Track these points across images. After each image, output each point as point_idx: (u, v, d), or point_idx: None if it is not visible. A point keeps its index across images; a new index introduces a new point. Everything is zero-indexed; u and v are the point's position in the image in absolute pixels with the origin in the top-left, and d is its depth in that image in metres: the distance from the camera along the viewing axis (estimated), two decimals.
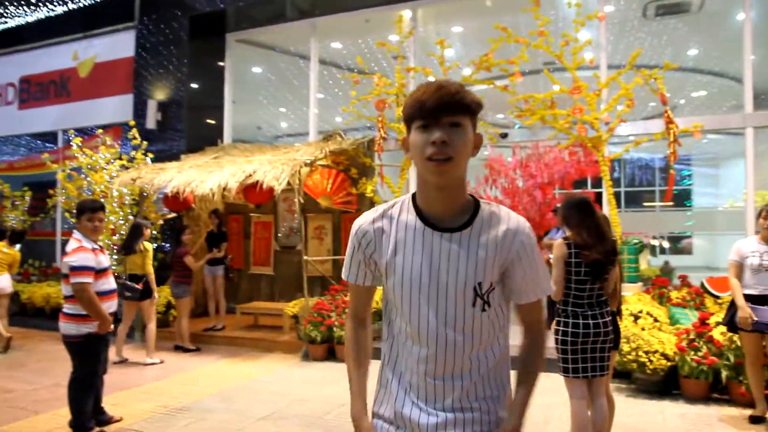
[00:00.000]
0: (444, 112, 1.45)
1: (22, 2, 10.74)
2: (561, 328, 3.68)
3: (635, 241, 7.96)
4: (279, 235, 10.14)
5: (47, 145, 12.32)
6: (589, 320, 3.63)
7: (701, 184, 19.23)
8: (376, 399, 1.67)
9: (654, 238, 18.38)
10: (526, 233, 1.55)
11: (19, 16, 10.97)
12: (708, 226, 13.92)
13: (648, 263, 11.04)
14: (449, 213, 1.53)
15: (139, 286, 7.02)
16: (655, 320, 6.14)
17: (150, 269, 7.11)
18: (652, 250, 18.05)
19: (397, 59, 9.27)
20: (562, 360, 3.69)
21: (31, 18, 11.05)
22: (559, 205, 8.89)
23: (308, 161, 8.11)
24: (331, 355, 7.38)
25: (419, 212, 1.55)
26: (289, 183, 7.75)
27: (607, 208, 8.27)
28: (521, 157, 15.66)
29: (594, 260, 3.63)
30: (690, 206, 18.81)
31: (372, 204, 9.47)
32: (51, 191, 9.86)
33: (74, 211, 9.05)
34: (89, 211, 4.39)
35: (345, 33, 11.20)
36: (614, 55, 9.88)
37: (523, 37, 8.33)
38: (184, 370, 6.96)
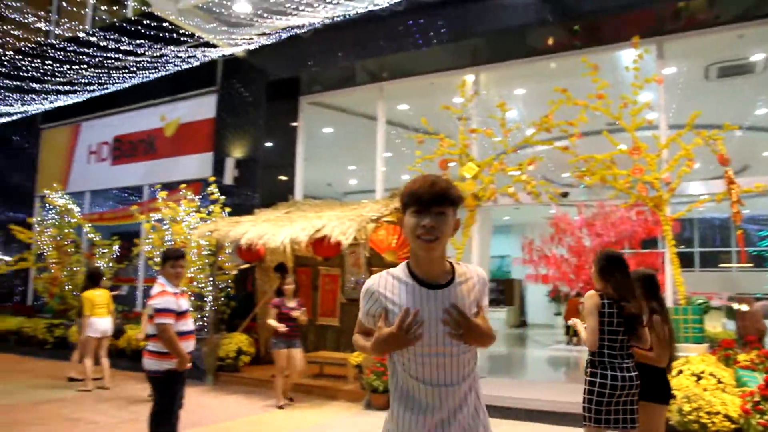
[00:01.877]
0: (434, 203, 1.95)
1: (119, 70, 11.87)
2: (598, 380, 3.82)
3: (700, 301, 7.87)
4: (345, 287, 10.51)
5: (133, 198, 13.29)
6: (624, 372, 3.79)
7: None
8: (391, 417, 2.10)
9: (730, 299, 17.67)
10: (483, 277, 2.13)
11: (116, 83, 12.10)
12: None
13: (723, 326, 10.65)
14: (434, 275, 2.02)
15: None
16: (719, 381, 6.07)
17: None
18: (729, 312, 17.33)
19: (461, 121, 9.68)
20: (594, 410, 3.82)
21: (126, 84, 12.15)
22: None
23: (374, 217, 8.52)
24: None
25: (413, 275, 2.04)
26: (355, 238, 8.16)
27: (670, 268, 8.24)
28: (587, 215, 15.71)
29: (630, 313, 3.84)
30: None
31: None
32: (136, 240, 10.65)
33: (156, 259, 9.80)
34: (173, 258, 4.88)
35: (411, 95, 11.75)
36: (676, 115, 9.97)
37: (582, 99, 8.61)
38: (252, 412, 7.31)
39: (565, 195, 9.15)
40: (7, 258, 14.56)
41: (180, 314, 4.79)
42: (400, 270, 2.08)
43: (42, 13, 14.93)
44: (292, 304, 7.71)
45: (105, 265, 11.83)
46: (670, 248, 8.37)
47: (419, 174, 2.04)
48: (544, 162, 9.71)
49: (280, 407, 7.54)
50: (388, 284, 2.05)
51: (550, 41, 9.59)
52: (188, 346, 4.84)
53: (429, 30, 9.99)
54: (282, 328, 7.48)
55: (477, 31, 9.76)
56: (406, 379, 2.04)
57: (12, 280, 15.30)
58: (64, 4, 15.96)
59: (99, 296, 8.53)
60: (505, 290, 21.93)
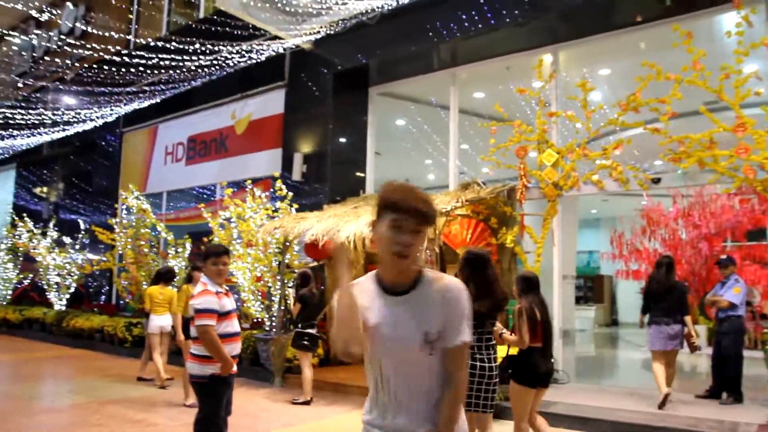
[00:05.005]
0: (415, 222, 1.90)
1: (191, 71, 11.90)
2: None
3: None
4: None
5: (208, 196, 13.34)
6: (481, 363, 4.44)
7: None
8: (365, 410, 2.09)
9: None
10: (453, 290, 1.97)
11: (187, 83, 12.15)
12: None
13: None
14: (399, 281, 1.98)
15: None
16: None
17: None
18: None
19: (539, 105, 8.94)
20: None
21: (197, 83, 12.17)
22: (723, 257, 7.91)
23: (444, 210, 7.95)
24: None
25: (380, 282, 2.03)
26: None
27: None
28: (683, 206, 14.44)
29: (475, 311, 3.89)
30: None
31: (513, 254, 9.06)
32: (205, 239, 10.59)
33: None
34: (213, 255, 4.51)
35: (486, 81, 11.10)
36: None
37: (675, 74, 7.66)
38: (316, 418, 6.95)
39: (657, 181, 8.21)
40: (94, 257, 15.05)
41: (223, 315, 4.42)
42: (371, 275, 2.09)
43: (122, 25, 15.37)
44: None
45: (179, 265, 11.87)
46: None
47: (395, 182, 2.01)
48: (633, 146, 8.80)
49: None
50: (363, 286, 2.06)
51: (635, 12, 8.67)
52: (233, 349, 4.47)
53: (501, 8, 9.31)
54: None
55: (553, 6, 9.00)
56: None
57: (99, 280, 15.82)
58: (142, 9, 16.36)
59: (161, 293, 8.50)
60: (594, 287, 20.83)
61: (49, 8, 17.55)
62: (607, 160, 8.37)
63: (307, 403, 7.55)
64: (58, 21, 18.62)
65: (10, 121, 13.78)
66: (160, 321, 8.54)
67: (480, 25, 9.54)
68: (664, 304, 7.07)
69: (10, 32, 19.66)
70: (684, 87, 7.60)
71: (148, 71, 12.56)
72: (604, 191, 8.68)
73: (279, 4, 10.23)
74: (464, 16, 9.61)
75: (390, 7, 9.54)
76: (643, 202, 14.85)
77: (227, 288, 4.64)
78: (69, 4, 17.85)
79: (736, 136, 7.37)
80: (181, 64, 11.93)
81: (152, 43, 12.85)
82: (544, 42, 9.63)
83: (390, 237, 1.91)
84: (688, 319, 7.02)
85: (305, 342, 7.61)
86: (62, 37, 18.02)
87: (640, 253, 14.91)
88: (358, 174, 11.61)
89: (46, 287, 15.41)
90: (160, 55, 11.87)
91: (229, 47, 11.27)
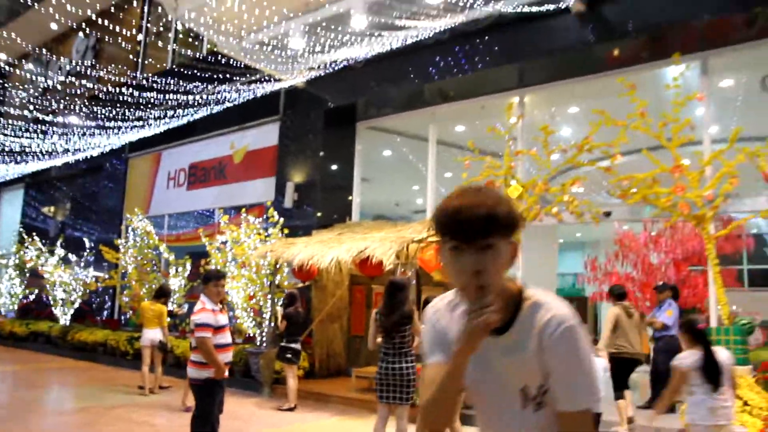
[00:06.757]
0: (478, 234, 1.38)
1: (195, 103, 12.92)
2: (378, 369, 5.89)
3: (743, 321, 7.74)
4: None
5: (207, 219, 14.32)
6: (390, 365, 5.75)
7: None
8: None
9: None
10: (563, 324, 1.43)
11: (189, 114, 13.16)
12: None
13: None
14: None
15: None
16: (745, 404, 6.04)
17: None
18: None
19: (508, 142, 9.95)
20: (377, 389, 5.81)
21: (199, 115, 13.18)
22: (660, 283, 8.87)
23: (416, 239, 8.92)
24: None
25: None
26: (397, 257, 8.59)
27: (714, 287, 8.15)
28: (651, 231, 15.38)
29: (381, 325, 5.89)
30: None
31: None
32: (203, 261, 11.55)
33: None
34: (215, 278, 5.49)
35: (463, 118, 12.12)
36: (729, 129, 9.81)
37: (623, 119, 8.67)
38: (300, 422, 7.85)
39: (608, 214, 9.22)
40: (100, 274, 15.97)
41: (218, 329, 5.37)
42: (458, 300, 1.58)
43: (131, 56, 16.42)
44: None
45: (180, 283, 12.82)
46: (714, 267, 8.26)
47: (460, 186, 1.50)
48: (591, 181, 9.80)
49: None
50: (445, 316, 1.62)
51: (591, 61, 9.73)
52: (225, 357, 5.41)
53: (474, 55, 10.35)
54: None
55: (520, 54, 10.03)
56: None
57: (102, 296, 16.73)
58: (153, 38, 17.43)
59: (151, 309, 9.42)
60: (578, 308, 21.58)
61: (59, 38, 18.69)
62: (565, 195, 9.35)
63: (291, 409, 8.46)
64: (69, 50, 19.75)
65: (26, 149, 14.75)
66: (150, 334, 9.43)
67: (455, 70, 10.58)
68: None
69: (23, 60, 20.76)
70: (635, 130, 8.63)
71: (153, 102, 13.57)
72: (563, 222, 9.64)
73: (274, 51, 11.27)
74: (441, 62, 10.66)
75: (375, 54, 10.58)
76: (624, 227, 15.71)
77: (221, 306, 5.61)
78: (80, 34, 18.92)
79: (673, 177, 8.39)
80: (183, 97, 12.96)
81: (156, 78, 13.90)
82: (513, 85, 10.67)
83: (452, 264, 1.42)
84: None
85: (289, 356, 8.55)
86: (73, 66, 19.06)
87: (611, 276, 15.85)
88: (347, 198, 12.60)
89: (51, 302, 16.30)
90: (164, 87, 12.89)
91: (228, 83, 12.31)
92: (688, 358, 4.34)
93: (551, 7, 8.95)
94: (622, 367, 7.37)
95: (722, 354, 4.40)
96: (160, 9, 15.20)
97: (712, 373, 4.21)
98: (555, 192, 9.46)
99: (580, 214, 9.26)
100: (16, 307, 18.37)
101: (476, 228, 1.37)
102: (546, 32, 9.72)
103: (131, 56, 17.12)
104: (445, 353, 1.50)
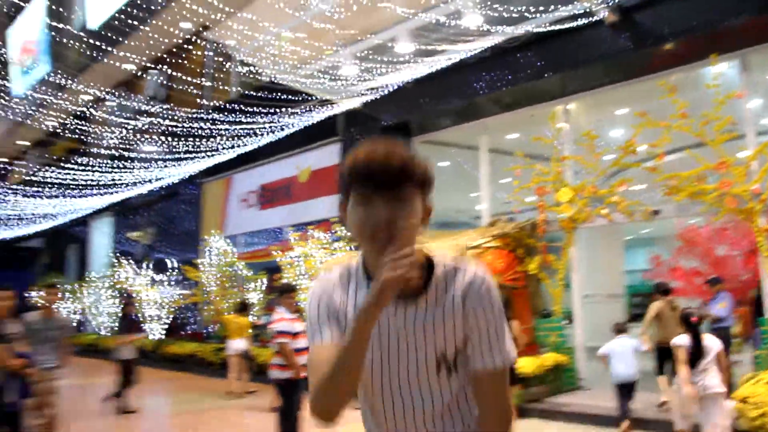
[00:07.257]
0: (389, 183, 1.30)
1: (257, 135, 13.97)
2: None
3: None
4: None
5: (277, 236, 15.35)
6: None
7: None
8: None
9: None
10: (482, 283, 1.40)
11: (256, 142, 14.22)
12: None
13: None
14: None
15: None
16: None
17: None
18: None
19: (555, 148, 10.42)
20: None
21: (265, 141, 14.22)
22: (712, 277, 9.16)
23: (471, 245, 9.53)
24: None
25: (369, 278, 1.43)
26: None
27: (767, 279, 8.40)
28: (715, 224, 15.30)
29: None
30: None
31: (538, 280, 10.50)
32: (275, 276, 12.53)
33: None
34: (289, 291, 6.33)
35: (514, 127, 12.61)
36: None
37: (664, 121, 9.00)
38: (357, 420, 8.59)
39: (656, 213, 9.55)
40: (184, 291, 17.30)
41: (295, 335, 6.18)
42: (355, 268, 1.48)
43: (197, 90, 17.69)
44: None
45: (258, 297, 13.86)
46: (766, 259, 8.49)
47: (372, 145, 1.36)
48: (638, 181, 10.13)
49: None
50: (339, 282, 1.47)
51: (631, 67, 10.07)
52: (302, 359, 6.21)
53: (516, 70, 10.87)
54: None
55: (560, 66, 10.47)
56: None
57: (186, 312, 18.05)
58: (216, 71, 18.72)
59: (235, 322, 10.39)
60: (645, 304, 21.42)
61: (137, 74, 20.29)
62: (614, 196, 9.74)
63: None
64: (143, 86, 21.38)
65: (116, 181, 16.24)
66: (235, 345, 10.42)
67: (499, 83, 11.13)
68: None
69: (105, 96, 22.54)
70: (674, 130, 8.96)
71: (222, 133, 14.70)
72: (614, 222, 10.01)
73: (330, 75, 12.14)
74: (486, 77, 11.23)
75: (423, 74, 11.28)
76: (692, 221, 15.77)
77: (297, 315, 6.42)
78: (153, 71, 20.48)
79: (719, 173, 8.67)
80: (248, 126, 14.01)
81: (223, 107, 15.06)
82: (557, 95, 11.10)
83: (359, 216, 1.33)
84: None
85: None
86: (149, 105, 20.64)
87: (676, 271, 15.85)
88: None
89: (141, 319, 17.69)
90: (230, 117, 13.97)
91: (288, 109, 13.27)
92: (682, 339, 5.52)
93: (584, 21, 9.38)
94: (662, 355, 8.10)
95: (709, 340, 5.57)
96: (221, 46, 16.39)
97: (696, 353, 5.40)
98: (603, 194, 9.88)
99: (630, 213, 9.64)
100: (116, 325, 19.91)
101: (391, 174, 1.29)
102: (584, 43, 10.10)
103: (197, 90, 18.43)
104: (341, 331, 1.40)
